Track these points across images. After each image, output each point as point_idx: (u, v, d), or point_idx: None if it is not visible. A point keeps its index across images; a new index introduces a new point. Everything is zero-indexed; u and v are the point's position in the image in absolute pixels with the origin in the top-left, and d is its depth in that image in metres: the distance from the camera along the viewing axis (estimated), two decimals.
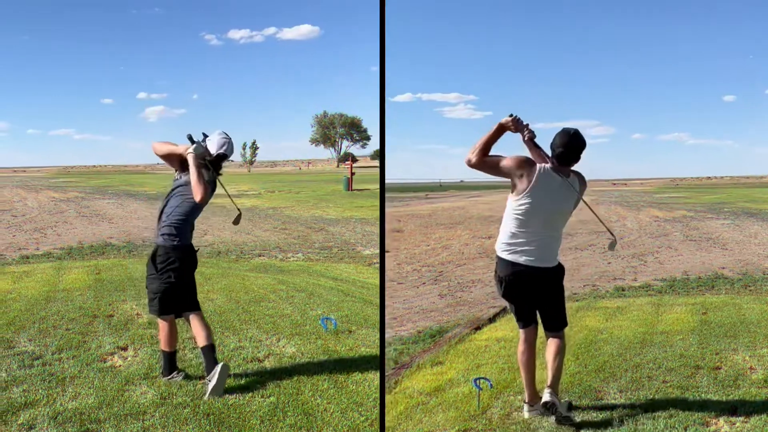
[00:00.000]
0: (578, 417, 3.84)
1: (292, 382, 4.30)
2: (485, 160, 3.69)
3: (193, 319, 4.33)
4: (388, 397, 4.26)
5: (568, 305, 4.55)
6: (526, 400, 3.92)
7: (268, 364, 4.74)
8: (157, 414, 3.78)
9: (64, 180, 35.73)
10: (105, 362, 4.68)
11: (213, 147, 4.26)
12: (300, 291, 7.54)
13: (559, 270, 3.84)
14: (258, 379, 4.35)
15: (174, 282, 4.27)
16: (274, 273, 9.36)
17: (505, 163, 3.69)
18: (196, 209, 4.26)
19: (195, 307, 4.39)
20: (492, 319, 6.71)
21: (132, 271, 8.67)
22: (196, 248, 4.41)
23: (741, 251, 12.87)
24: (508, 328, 6.13)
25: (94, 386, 4.18)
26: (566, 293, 4.04)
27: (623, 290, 8.94)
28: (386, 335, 6.44)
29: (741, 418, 3.77)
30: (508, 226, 3.77)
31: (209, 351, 4.23)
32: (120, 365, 4.62)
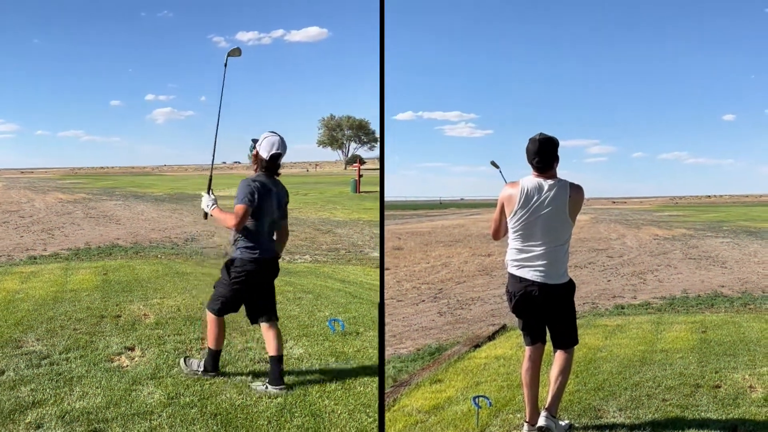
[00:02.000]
0: None
1: (299, 383, 4.34)
2: (499, 233, 3.96)
3: (269, 328, 4.34)
4: (387, 414, 4.24)
5: None
6: (527, 420, 3.88)
7: None
8: (164, 414, 3.82)
9: (71, 181, 35.69)
10: (112, 362, 4.73)
11: (264, 150, 4.28)
12: (307, 293, 7.55)
13: (570, 287, 3.85)
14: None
15: (243, 292, 4.32)
16: (281, 274, 9.30)
17: (500, 209, 3.87)
18: (261, 218, 4.26)
19: (272, 316, 4.40)
20: (491, 337, 6.68)
21: (139, 272, 8.72)
22: (277, 256, 4.44)
23: (740, 270, 12.90)
24: (508, 345, 6.15)
25: (102, 386, 4.22)
26: None
27: (623, 308, 8.96)
28: (386, 353, 6.46)
29: None
30: (512, 243, 3.84)
31: (277, 362, 4.25)
32: (127, 365, 4.67)
